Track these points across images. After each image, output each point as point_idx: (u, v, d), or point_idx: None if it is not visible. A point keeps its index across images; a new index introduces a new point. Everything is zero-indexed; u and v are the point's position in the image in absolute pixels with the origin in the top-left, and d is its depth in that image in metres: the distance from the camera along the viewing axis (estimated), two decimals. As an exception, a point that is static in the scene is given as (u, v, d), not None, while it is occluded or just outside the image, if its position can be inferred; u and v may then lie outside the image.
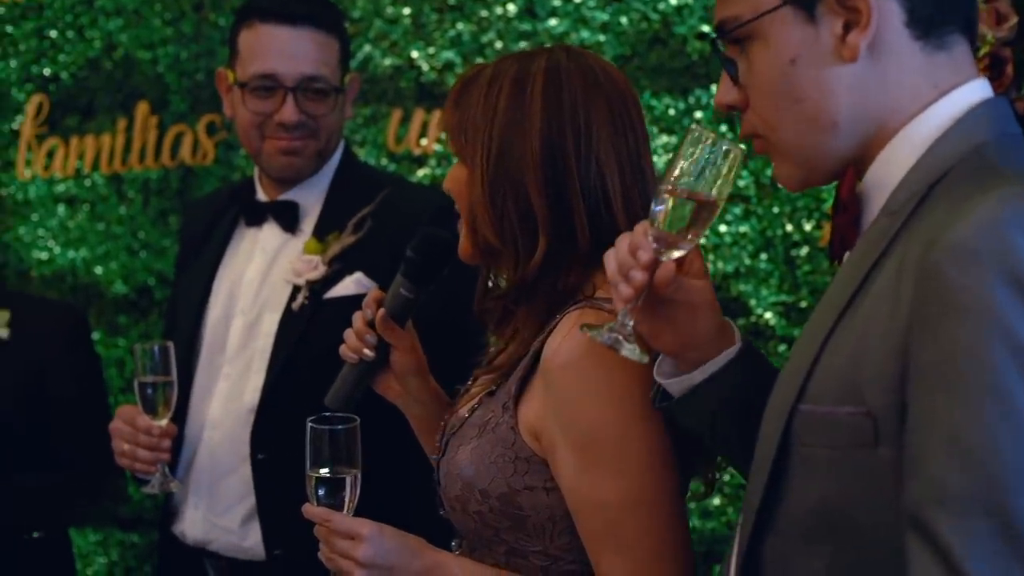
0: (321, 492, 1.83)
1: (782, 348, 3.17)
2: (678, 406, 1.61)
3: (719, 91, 1.52)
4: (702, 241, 1.58)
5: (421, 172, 3.49)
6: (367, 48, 3.49)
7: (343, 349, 2.01)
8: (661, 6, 3.26)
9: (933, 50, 1.42)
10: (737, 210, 3.21)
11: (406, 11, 3.47)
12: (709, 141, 1.49)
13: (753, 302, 3.20)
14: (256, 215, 2.66)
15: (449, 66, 3.43)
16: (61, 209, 3.86)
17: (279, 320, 2.56)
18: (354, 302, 2.15)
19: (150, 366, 2.42)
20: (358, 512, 1.83)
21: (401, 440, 2.13)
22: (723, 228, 3.22)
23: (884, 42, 1.41)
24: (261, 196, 2.68)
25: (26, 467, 2.79)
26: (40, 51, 3.85)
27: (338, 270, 2.54)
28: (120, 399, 3.65)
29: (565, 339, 1.69)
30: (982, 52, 2.38)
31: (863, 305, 1.34)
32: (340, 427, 1.83)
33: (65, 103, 3.85)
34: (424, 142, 3.49)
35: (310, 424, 1.84)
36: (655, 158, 2.51)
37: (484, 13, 3.39)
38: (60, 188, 3.86)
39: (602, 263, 1.56)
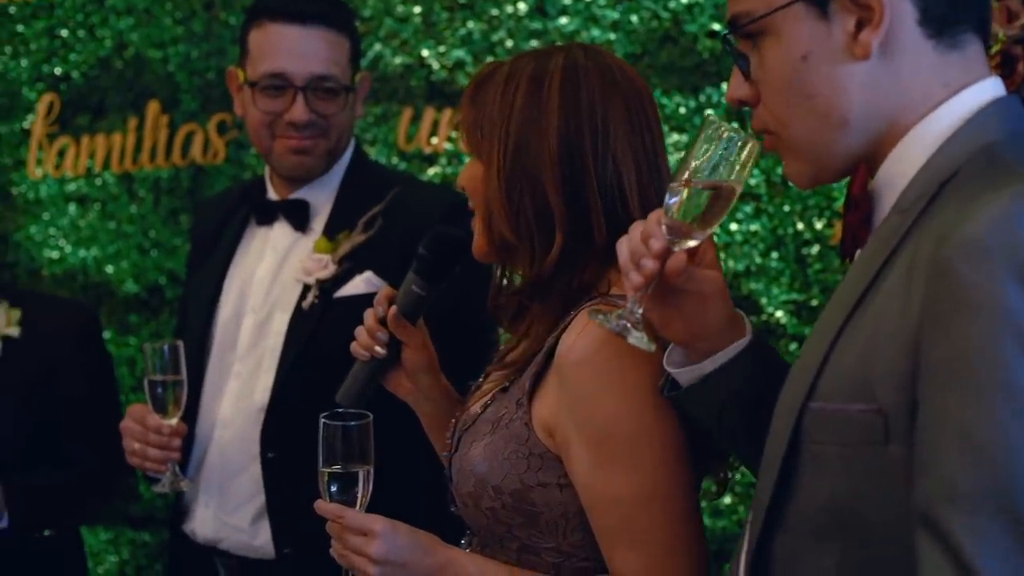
0: (334, 488, 1.83)
1: (793, 346, 3.16)
2: (687, 395, 1.61)
3: (731, 86, 1.52)
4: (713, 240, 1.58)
5: (432, 171, 3.49)
6: (377, 47, 3.49)
7: (354, 346, 2.02)
8: (672, 4, 3.26)
9: (946, 49, 1.42)
10: (748, 208, 3.20)
11: (417, 10, 3.47)
12: (726, 133, 1.49)
13: (764, 300, 3.20)
14: (267, 214, 2.67)
15: (460, 65, 3.43)
16: (72, 208, 3.87)
17: (289, 319, 2.56)
18: (364, 301, 2.16)
19: (160, 365, 2.42)
20: (369, 509, 1.83)
21: (412, 437, 2.14)
22: (734, 226, 3.21)
23: (896, 40, 1.41)
24: (272, 195, 2.68)
25: (37, 466, 2.79)
26: (51, 50, 3.85)
27: (348, 269, 2.54)
28: (131, 398, 3.65)
29: (580, 335, 1.69)
30: (994, 50, 2.37)
31: (874, 303, 1.34)
32: (353, 423, 1.83)
33: (76, 102, 3.85)
34: (435, 141, 3.49)
35: (323, 420, 1.84)
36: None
37: (495, 11, 3.39)
38: (71, 187, 3.87)
39: (617, 261, 1.56)
